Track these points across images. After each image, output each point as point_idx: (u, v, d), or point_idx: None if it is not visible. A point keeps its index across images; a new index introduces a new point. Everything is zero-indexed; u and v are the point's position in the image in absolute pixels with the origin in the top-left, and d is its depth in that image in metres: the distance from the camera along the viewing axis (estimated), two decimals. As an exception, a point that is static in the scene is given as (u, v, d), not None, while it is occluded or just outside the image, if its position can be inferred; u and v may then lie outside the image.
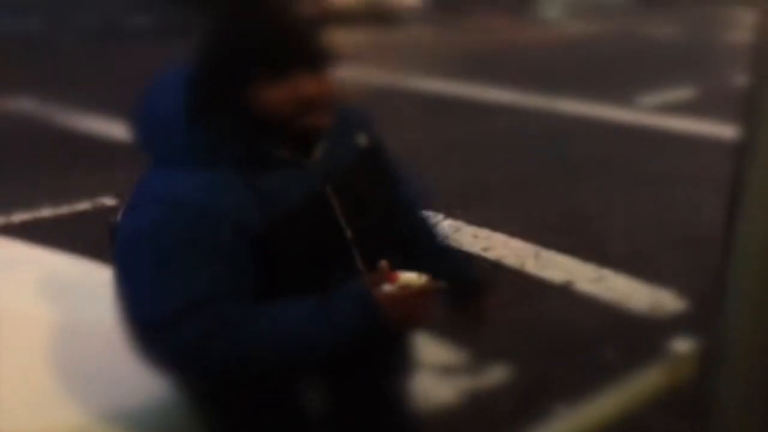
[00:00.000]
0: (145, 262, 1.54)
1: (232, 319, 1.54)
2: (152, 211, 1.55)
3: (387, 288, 1.58)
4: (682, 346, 2.16)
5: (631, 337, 3.86)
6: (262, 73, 1.55)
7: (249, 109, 1.58)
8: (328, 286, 1.60)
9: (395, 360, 1.89)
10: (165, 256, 1.52)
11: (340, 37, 1.82)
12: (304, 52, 1.58)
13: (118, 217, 1.65)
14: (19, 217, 5.43)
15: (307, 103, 1.57)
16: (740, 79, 9.39)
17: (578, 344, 3.81)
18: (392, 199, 1.86)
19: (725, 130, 7.74)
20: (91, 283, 2.36)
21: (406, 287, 1.58)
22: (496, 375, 3.54)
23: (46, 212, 5.58)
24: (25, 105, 9.12)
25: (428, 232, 2.03)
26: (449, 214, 5.37)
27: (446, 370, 3.50)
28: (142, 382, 1.80)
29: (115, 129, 7.66)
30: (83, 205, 5.71)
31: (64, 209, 5.64)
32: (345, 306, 1.57)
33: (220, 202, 1.55)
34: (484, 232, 5.10)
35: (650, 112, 8.81)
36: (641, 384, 2.65)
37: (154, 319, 1.52)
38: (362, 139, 1.80)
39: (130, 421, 1.79)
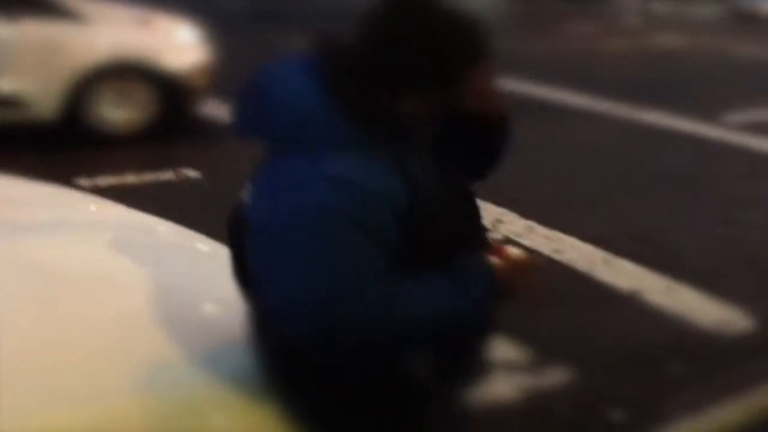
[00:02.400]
0: (312, 241, 1.55)
1: (387, 301, 1.58)
2: (317, 190, 1.56)
3: (498, 262, 1.71)
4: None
5: (697, 352, 3.83)
6: (475, 58, 1.66)
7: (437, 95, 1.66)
8: (450, 264, 1.69)
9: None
10: (334, 235, 1.54)
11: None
12: (487, 38, 1.70)
13: (246, 200, 1.69)
14: (105, 181, 5.62)
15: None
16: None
17: (643, 354, 3.79)
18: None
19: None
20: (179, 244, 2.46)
21: (514, 261, 1.72)
22: (557, 376, 3.54)
23: (130, 179, 5.77)
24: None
25: None
26: (523, 214, 5.39)
27: (508, 367, 3.52)
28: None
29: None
30: (167, 175, 5.91)
31: (148, 177, 5.83)
32: (472, 278, 1.68)
33: (376, 180, 1.58)
34: (556, 234, 5.10)
35: (734, 130, 8.65)
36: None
37: (317, 299, 1.53)
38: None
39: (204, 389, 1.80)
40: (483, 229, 1.88)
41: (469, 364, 1.90)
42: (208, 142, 6.85)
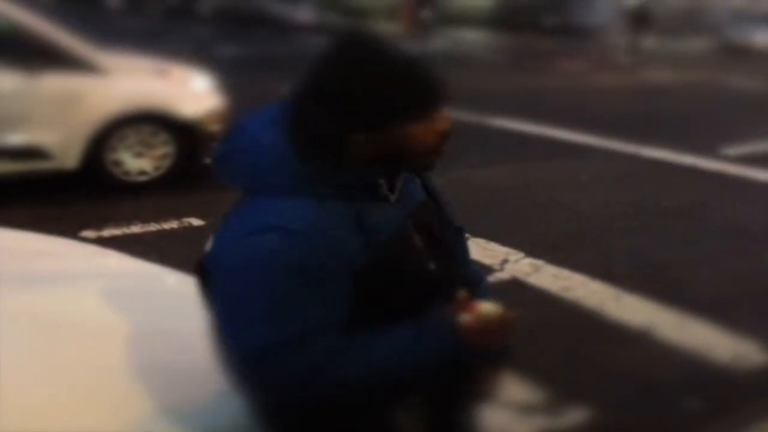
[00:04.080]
0: (256, 291, 1.54)
1: (335, 353, 1.56)
2: (264, 239, 1.55)
3: (466, 317, 1.63)
4: None
5: (713, 388, 3.80)
6: (413, 112, 1.61)
7: (381, 145, 1.62)
8: (414, 316, 1.64)
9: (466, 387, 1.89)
10: (277, 286, 1.53)
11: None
12: (437, 90, 1.65)
13: (208, 247, 1.67)
14: (109, 232, 5.61)
15: (444, 136, 1.66)
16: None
17: (659, 391, 3.75)
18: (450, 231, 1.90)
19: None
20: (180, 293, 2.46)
21: (484, 316, 1.64)
22: (573, 417, 3.51)
23: (135, 229, 5.76)
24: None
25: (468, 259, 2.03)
26: (530, 252, 5.38)
27: (524, 409, 3.49)
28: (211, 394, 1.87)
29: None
30: (172, 224, 5.91)
31: (153, 226, 5.83)
32: (434, 336, 1.61)
33: (329, 232, 1.58)
34: (563, 272, 5.09)
35: (733, 163, 8.70)
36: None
37: (260, 349, 1.53)
38: (422, 176, 1.87)
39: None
40: (460, 274, 1.85)
41: (458, 424, 1.88)
42: (212, 190, 6.84)
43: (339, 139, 1.59)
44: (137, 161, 6.68)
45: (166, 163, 6.79)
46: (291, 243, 1.54)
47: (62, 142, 6.34)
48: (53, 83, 6.28)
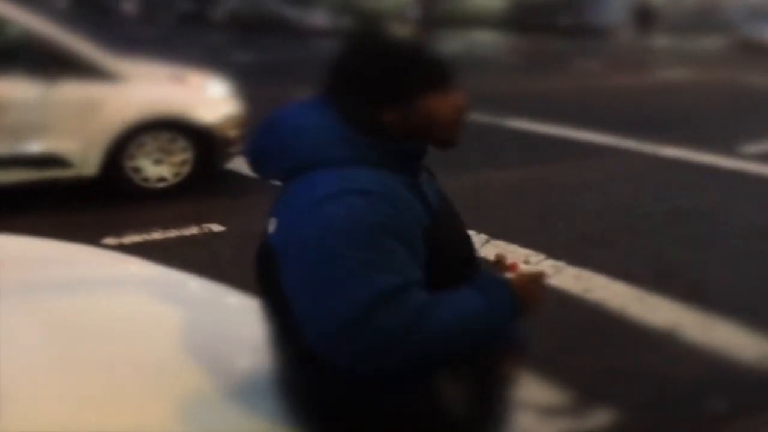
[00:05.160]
0: (343, 252, 1.57)
1: (424, 310, 1.59)
2: (344, 202, 1.61)
3: (511, 275, 1.76)
4: None
5: (739, 388, 3.77)
6: (426, 84, 1.75)
7: (409, 118, 1.75)
8: (460, 279, 1.73)
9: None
10: (363, 244, 1.57)
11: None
12: (446, 66, 1.81)
13: (271, 229, 1.73)
14: (130, 239, 5.63)
15: (461, 110, 1.80)
16: None
17: (684, 392, 3.73)
18: None
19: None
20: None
21: (524, 275, 1.77)
22: (597, 419, 3.49)
23: (155, 235, 5.77)
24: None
25: None
26: (550, 254, 5.36)
27: (548, 410, 3.48)
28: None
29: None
30: (192, 230, 5.92)
31: (173, 233, 5.84)
32: (494, 291, 1.70)
33: (401, 193, 1.68)
34: (585, 273, 5.07)
35: (752, 161, 8.65)
36: None
37: (355, 310, 1.54)
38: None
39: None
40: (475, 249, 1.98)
41: (496, 400, 1.90)
42: (231, 196, 6.90)
43: (373, 117, 1.73)
44: (156, 168, 6.72)
45: (185, 170, 6.82)
46: (369, 202, 1.61)
47: (81, 149, 6.37)
48: (71, 91, 6.31)
